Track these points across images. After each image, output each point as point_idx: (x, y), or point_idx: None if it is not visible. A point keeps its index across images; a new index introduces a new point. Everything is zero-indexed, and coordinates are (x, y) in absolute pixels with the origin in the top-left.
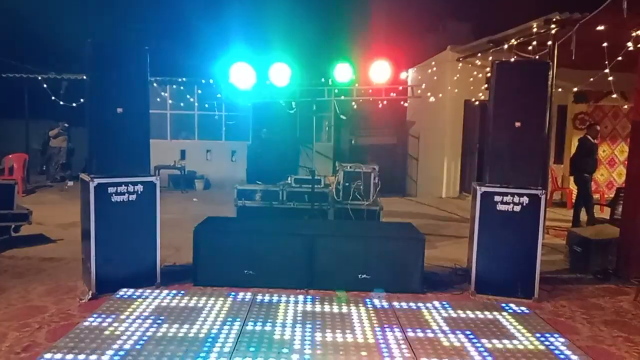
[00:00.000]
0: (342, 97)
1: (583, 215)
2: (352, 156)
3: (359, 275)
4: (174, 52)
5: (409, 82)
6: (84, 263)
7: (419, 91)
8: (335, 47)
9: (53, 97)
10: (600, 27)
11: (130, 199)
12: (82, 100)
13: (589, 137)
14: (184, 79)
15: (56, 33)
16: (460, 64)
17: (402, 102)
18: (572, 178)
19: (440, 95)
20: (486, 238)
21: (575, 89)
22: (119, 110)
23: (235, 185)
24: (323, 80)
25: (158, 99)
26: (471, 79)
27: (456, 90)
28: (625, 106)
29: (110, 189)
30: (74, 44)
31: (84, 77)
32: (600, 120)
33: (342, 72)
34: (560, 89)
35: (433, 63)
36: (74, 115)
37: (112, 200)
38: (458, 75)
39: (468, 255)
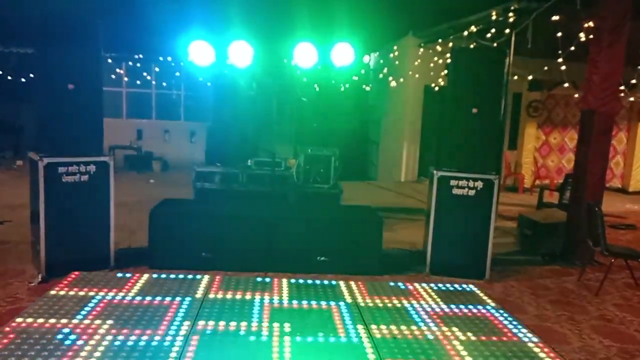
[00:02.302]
0: (304, 79)
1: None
2: (313, 139)
3: (318, 258)
4: (130, 27)
5: (371, 66)
6: (33, 246)
7: (381, 75)
8: (297, 27)
9: (0, 72)
10: (555, 18)
11: (82, 179)
12: (31, 75)
13: None
14: (141, 56)
15: (3, 3)
16: (422, 50)
17: (363, 86)
18: None
19: (402, 80)
20: (441, 221)
21: (530, 77)
22: (70, 86)
23: (194, 167)
24: (285, 61)
25: (113, 76)
26: (432, 65)
27: (417, 76)
28: (576, 95)
29: (61, 169)
30: (23, 15)
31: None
32: (553, 108)
33: (304, 54)
34: (515, 77)
35: (395, 48)
36: (24, 91)
37: (63, 180)
38: (419, 61)
39: (424, 238)
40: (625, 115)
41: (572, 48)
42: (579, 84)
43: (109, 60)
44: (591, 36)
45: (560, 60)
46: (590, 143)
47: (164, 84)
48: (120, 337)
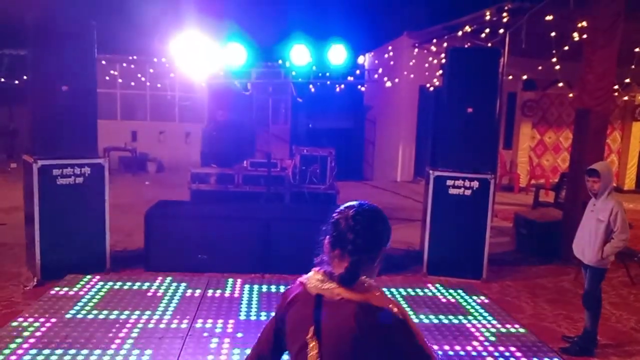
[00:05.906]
0: (300, 80)
1: None
2: (309, 140)
3: (315, 259)
4: (124, 28)
5: (366, 67)
6: (28, 249)
7: (376, 76)
8: (292, 28)
9: None
10: (549, 17)
11: (77, 181)
12: (25, 77)
13: None
14: (135, 57)
15: None
16: (416, 50)
17: (359, 87)
18: None
19: (397, 80)
20: (438, 221)
21: (524, 77)
22: (64, 88)
23: (189, 168)
24: (280, 62)
25: (107, 78)
26: (426, 65)
27: (412, 76)
28: (570, 94)
29: (55, 171)
30: (16, 16)
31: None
32: (547, 107)
33: (299, 55)
34: (510, 77)
35: (390, 48)
36: (17, 94)
37: (58, 183)
38: (414, 61)
39: (421, 238)
40: (619, 114)
41: (566, 48)
42: (572, 83)
43: (103, 62)
44: (585, 36)
45: (554, 59)
46: (585, 142)
47: (159, 85)
48: None
